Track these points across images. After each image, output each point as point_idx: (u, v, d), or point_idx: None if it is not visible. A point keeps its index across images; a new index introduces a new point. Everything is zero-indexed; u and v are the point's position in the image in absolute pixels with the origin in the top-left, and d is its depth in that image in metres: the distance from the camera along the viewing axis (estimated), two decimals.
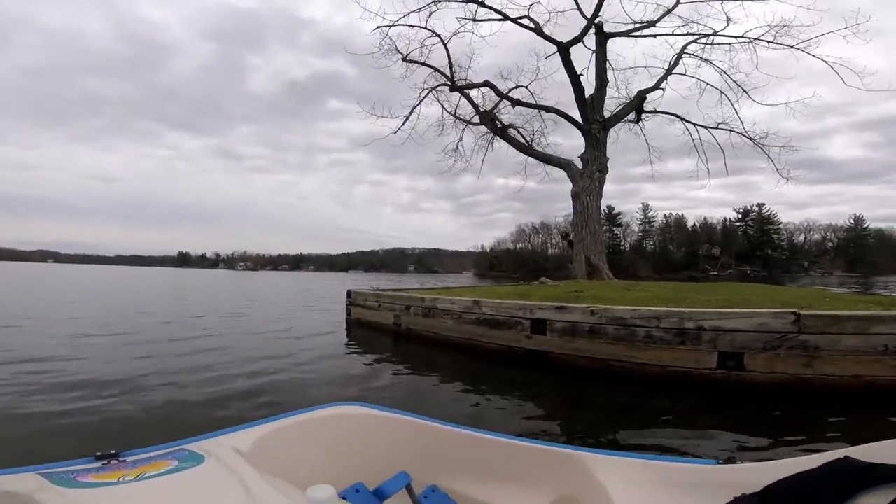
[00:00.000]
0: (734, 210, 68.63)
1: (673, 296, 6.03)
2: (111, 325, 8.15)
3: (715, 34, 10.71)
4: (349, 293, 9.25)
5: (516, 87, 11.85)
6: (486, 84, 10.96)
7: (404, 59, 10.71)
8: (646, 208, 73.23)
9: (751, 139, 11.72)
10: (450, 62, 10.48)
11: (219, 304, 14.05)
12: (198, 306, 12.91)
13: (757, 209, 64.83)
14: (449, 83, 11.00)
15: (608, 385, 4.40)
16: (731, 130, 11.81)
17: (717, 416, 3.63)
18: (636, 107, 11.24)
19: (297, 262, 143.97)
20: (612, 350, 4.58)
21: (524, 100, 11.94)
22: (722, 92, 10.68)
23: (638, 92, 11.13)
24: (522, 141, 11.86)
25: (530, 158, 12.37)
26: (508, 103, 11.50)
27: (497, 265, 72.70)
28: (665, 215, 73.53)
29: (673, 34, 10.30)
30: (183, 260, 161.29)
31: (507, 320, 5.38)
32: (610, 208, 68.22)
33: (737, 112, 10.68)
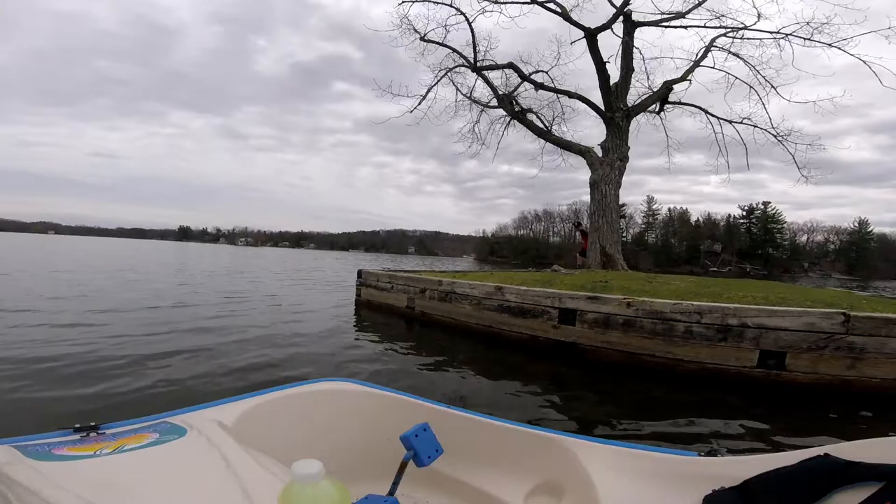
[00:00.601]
0: (739, 207, 68.14)
1: (702, 290, 5.87)
2: (107, 305, 7.97)
3: (746, 28, 10.31)
4: (360, 273, 9.08)
5: (536, 71, 11.48)
6: (510, 66, 10.60)
7: (422, 39, 10.31)
8: (650, 201, 72.63)
9: (775, 136, 11.43)
10: (474, 41, 10.10)
11: (218, 283, 13.84)
12: (200, 283, 12.72)
13: (762, 207, 64.49)
14: (468, 64, 10.64)
15: (639, 379, 4.27)
16: (755, 126, 11.50)
17: (753, 414, 3.52)
18: (662, 97, 10.91)
19: (297, 240, 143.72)
20: (646, 344, 4.45)
21: (524, 93, 11.56)
22: (751, 87, 10.35)
23: (664, 82, 10.79)
24: (541, 126, 11.54)
25: (547, 144, 12.08)
26: (527, 87, 11.16)
27: (497, 250, 72.49)
28: (669, 209, 73.08)
29: (705, 26, 9.90)
30: (184, 234, 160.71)
31: (533, 308, 5.23)
32: None
33: (765, 107, 10.38)
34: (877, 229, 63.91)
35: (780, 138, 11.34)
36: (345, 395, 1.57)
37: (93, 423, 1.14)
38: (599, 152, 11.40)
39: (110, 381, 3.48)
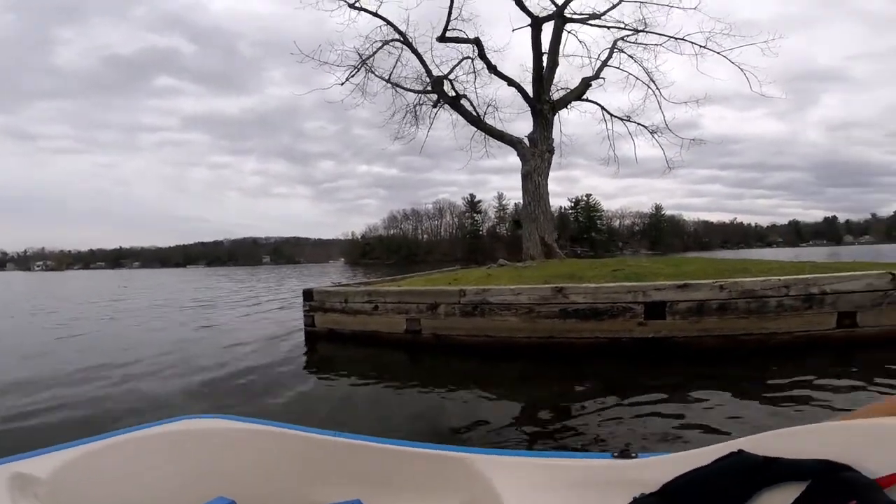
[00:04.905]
0: (568, 199, 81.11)
1: (669, 269, 6.21)
2: None
3: (636, 32, 11.61)
4: (310, 294, 7.06)
5: (462, 59, 10.99)
6: (476, 41, 9.75)
7: (351, 6, 8.71)
8: (500, 197, 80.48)
9: (651, 132, 13.25)
10: (451, 5, 8.89)
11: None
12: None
13: (585, 199, 77.99)
14: (403, 39, 9.44)
15: (748, 360, 4.13)
16: (638, 124, 13.18)
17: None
18: (581, 93, 11.57)
19: (116, 258, 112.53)
20: (743, 324, 4.34)
21: (462, 76, 11.16)
22: (647, 85, 11.73)
23: (583, 79, 11.47)
24: (474, 113, 11.10)
25: (476, 133, 11.75)
26: (464, 70, 10.62)
27: (369, 252, 70.34)
28: (515, 204, 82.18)
29: (624, 27, 10.81)
30: None
31: (611, 307, 4.63)
32: (472, 196, 72.83)
33: (661, 107, 11.84)
34: (667, 212, 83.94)
35: (652, 131, 13.18)
36: (213, 434, 1.35)
37: None
38: (527, 144, 11.54)
39: None
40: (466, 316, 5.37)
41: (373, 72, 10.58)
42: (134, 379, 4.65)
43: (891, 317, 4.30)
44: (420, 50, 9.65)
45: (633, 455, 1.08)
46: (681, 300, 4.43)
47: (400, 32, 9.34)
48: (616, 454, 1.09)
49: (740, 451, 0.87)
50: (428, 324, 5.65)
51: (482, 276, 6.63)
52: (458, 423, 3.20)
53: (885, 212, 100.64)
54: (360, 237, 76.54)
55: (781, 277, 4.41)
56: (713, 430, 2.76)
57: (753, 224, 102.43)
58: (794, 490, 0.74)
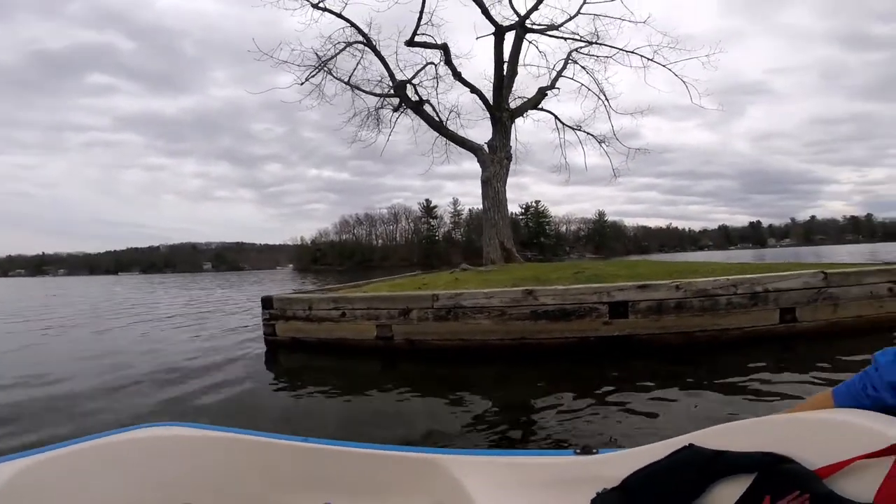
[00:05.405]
0: (519, 206, 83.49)
1: (625, 271, 6.63)
2: None
3: (590, 44, 12.19)
4: (269, 302, 6.66)
5: (426, 64, 11.00)
6: (444, 46, 9.70)
7: (315, 6, 8.43)
8: (455, 202, 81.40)
9: (599, 142, 13.95)
10: (422, 10, 8.76)
11: None
12: None
13: (535, 205, 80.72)
14: (366, 41, 9.28)
15: (704, 355, 4.42)
16: (588, 133, 13.81)
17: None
18: (538, 102, 11.96)
19: (38, 265, 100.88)
20: (698, 321, 4.62)
21: (426, 82, 11.18)
22: (598, 96, 12.34)
23: (539, 88, 11.86)
24: (436, 119, 11.14)
25: (438, 139, 11.81)
26: (428, 75, 10.65)
27: (320, 258, 67.96)
28: (470, 209, 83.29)
29: (579, 39, 11.27)
30: None
31: (579, 308, 4.77)
32: (428, 201, 72.92)
33: (610, 118, 12.46)
34: (609, 218, 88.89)
35: (599, 140, 13.84)
36: (172, 442, 1.29)
37: None
38: (486, 150, 11.74)
39: None
40: (440, 320, 5.31)
41: (332, 73, 10.35)
42: (77, 387, 4.23)
43: (825, 312, 4.79)
44: (384, 54, 9.57)
45: (595, 451, 1.11)
46: (641, 300, 4.67)
47: (364, 35, 9.18)
48: (578, 451, 1.12)
49: (691, 446, 0.90)
50: (400, 329, 5.52)
51: (451, 281, 6.61)
52: (433, 428, 3.15)
53: (802, 216, 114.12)
54: (310, 242, 73.82)
55: (730, 277, 4.77)
56: (672, 423, 2.88)
57: (687, 229, 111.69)
58: (743, 482, 0.78)
